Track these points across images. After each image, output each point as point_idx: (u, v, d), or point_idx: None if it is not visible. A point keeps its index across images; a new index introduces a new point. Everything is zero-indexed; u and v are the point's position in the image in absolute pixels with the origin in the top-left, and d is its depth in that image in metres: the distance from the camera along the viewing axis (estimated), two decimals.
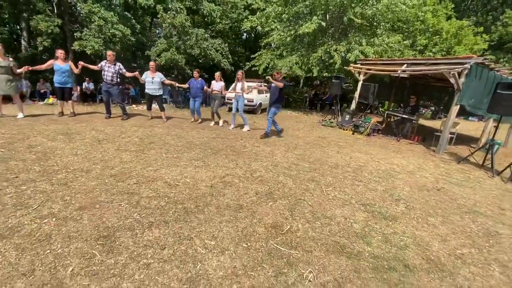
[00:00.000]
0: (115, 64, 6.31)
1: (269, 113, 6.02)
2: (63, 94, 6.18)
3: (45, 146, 3.78)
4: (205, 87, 7.10)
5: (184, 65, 11.53)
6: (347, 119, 9.08)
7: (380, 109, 15.37)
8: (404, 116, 7.99)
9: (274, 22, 12.08)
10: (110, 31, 9.98)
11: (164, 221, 2.30)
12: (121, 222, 2.22)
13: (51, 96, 10.04)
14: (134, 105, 10.36)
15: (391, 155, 5.58)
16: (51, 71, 6.01)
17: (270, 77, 5.86)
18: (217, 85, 6.80)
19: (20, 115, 5.60)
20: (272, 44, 13.29)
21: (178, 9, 10.98)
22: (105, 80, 6.32)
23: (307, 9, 11.06)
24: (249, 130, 6.67)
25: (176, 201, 2.67)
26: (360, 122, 8.19)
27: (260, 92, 10.87)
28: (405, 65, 7.19)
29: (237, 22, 13.20)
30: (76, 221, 2.16)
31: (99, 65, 6.32)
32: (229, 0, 12.07)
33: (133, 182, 2.95)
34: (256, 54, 13.03)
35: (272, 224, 2.44)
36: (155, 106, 7.41)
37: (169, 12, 10.84)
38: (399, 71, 7.14)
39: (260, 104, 10.77)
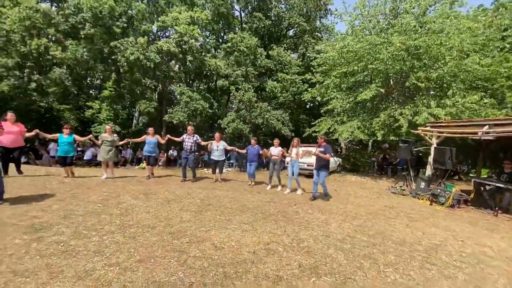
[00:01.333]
0: (193, 136, 7.67)
1: (319, 177, 6.14)
2: (149, 160, 7.70)
3: (128, 204, 4.63)
4: (261, 151, 7.77)
5: (249, 133, 12.90)
6: (422, 186, 7.99)
7: (462, 175, 12.98)
8: (499, 185, 6.57)
9: (334, 92, 12.78)
10: (194, 106, 12.40)
11: (203, 283, 2.42)
12: (167, 278, 2.45)
13: (144, 161, 12.40)
14: (205, 169, 11.71)
15: (482, 234, 4.52)
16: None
17: (313, 151, 6.23)
18: (275, 150, 7.33)
19: (104, 177, 7.13)
20: (334, 110, 13.81)
21: (247, 88, 13.02)
22: (185, 149, 7.68)
23: (367, 77, 11.48)
24: (302, 194, 6.70)
25: (218, 264, 2.79)
26: (439, 190, 7.08)
27: None
28: (487, 126, 6.31)
29: (298, 94, 14.58)
30: (133, 272, 2.49)
31: (181, 138, 7.79)
32: (289, 78, 13.69)
33: (186, 241, 3.25)
34: (317, 121, 13.59)
35: None
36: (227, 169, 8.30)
37: (239, 91, 12.92)
38: (479, 133, 6.29)
39: None
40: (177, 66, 15.31)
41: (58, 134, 6.62)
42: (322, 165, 6.18)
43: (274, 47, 14.73)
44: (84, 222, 3.59)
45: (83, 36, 11.76)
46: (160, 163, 13.58)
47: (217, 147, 7.75)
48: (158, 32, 14.69)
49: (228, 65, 13.51)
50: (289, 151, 7.16)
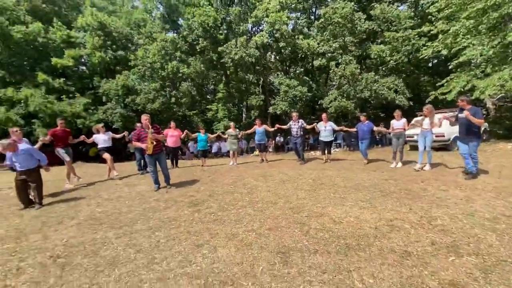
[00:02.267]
0: (298, 121, 8.01)
1: (469, 148, 4.94)
2: (260, 147, 8.79)
3: (252, 184, 5.44)
4: (375, 128, 7.12)
5: (354, 109, 11.97)
6: None
7: None
8: None
9: (467, 39, 9.90)
10: (292, 94, 12.68)
11: (327, 251, 2.64)
12: (294, 244, 2.82)
13: (256, 149, 13.90)
14: (312, 152, 11.89)
15: None
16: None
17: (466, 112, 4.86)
18: (398, 123, 6.58)
19: (231, 163, 8.56)
20: (471, 62, 10.72)
21: (348, 61, 12.02)
22: (293, 134, 8.15)
23: None
24: (431, 169, 5.72)
25: (339, 236, 2.93)
26: None
27: (452, 124, 8.83)
28: None
29: (413, 53, 12.11)
30: (266, 238, 3.01)
31: (288, 125, 8.32)
32: (400, 35, 11.55)
33: (305, 215, 3.57)
34: (444, 81, 10.98)
35: (451, 281, 2.06)
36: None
37: (339, 66, 12.13)
38: None
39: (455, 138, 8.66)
40: (273, 56, 15.95)
41: (197, 134, 8.61)
42: (472, 132, 4.90)
43: (375, 5, 12.80)
44: (224, 199, 4.54)
45: (198, 50, 14.24)
46: (270, 149, 14.84)
47: (325, 128, 7.72)
48: (253, 29, 15.70)
49: (324, 41, 12.86)
50: (413, 122, 6.25)
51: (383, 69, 13.19)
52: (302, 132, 8.03)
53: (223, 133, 10.00)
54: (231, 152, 8.93)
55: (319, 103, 13.70)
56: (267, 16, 12.22)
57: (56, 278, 2.46)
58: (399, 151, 6.65)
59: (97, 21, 14.99)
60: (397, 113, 6.72)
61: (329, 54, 13.06)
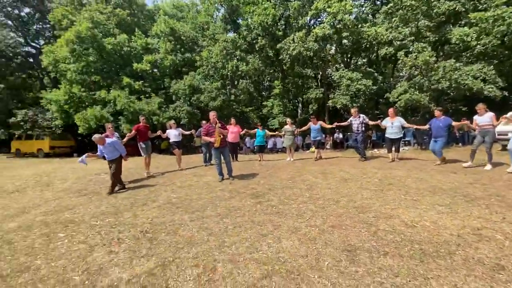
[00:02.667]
0: (359, 117, 7.58)
1: None
2: (316, 144, 8.68)
3: (311, 181, 5.40)
4: (457, 123, 6.23)
5: (429, 102, 10.56)
6: None
7: None
8: None
9: None
10: (355, 87, 11.90)
11: (399, 255, 2.48)
12: (361, 244, 2.73)
13: (313, 146, 13.58)
14: (375, 149, 11.03)
15: None
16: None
17: None
18: (484, 118, 5.64)
19: (288, 159, 8.57)
20: None
21: (420, 48, 10.66)
22: (353, 131, 7.79)
23: None
24: None
25: (412, 240, 2.71)
26: None
27: None
28: None
29: (509, 34, 9.93)
30: (330, 234, 2.99)
31: (348, 120, 7.93)
32: (490, 15, 9.61)
33: (372, 216, 3.39)
34: None
35: None
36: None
37: (410, 55, 10.86)
38: None
39: None
40: (333, 48, 15.21)
41: (256, 130, 8.92)
42: None
43: None
44: (284, 194, 4.63)
45: (257, 48, 14.60)
46: (327, 146, 14.32)
47: (392, 124, 7.07)
48: (311, 21, 15.25)
49: (392, 28, 11.64)
50: (508, 117, 5.28)
51: (467, 55, 11.25)
52: (363, 128, 7.61)
53: (277, 129, 10.09)
54: (287, 148, 8.99)
55: (385, 96, 12.51)
56: (329, 7, 11.69)
57: (147, 250, 2.93)
58: (486, 152, 5.67)
59: (169, 28, 16.72)
60: (479, 107, 5.73)
61: (398, 42, 11.77)
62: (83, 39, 15.12)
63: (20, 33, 20.93)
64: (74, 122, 15.43)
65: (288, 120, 9.10)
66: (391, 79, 16.39)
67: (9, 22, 20.35)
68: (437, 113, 6.52)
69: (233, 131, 8.51)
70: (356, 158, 8.13)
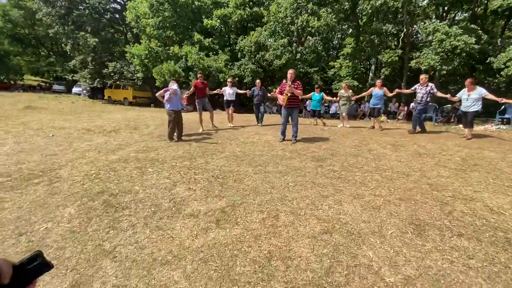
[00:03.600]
0: (427, 85, 6.73)
1: None
2: (373, 112, 8.02)
3: (379, 151, 5.08)
4: None
5: None
6: None
7: None
8: None
9: None
10: (451, 44, 9.83)
11: (477, 238, 2.28)
12: (431, 221, 2.58)
13: (382, 114, 12.35)
14: (461, 125, 9.44)
15: None
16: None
17: None
18: None
19: (340, 125, 8.42)
20: None
21: None
22: (416, 100, 7.15)
23: None
24: None
25: (496, 227, 2.43)
26: None
27: None
28: None
29: None
30: (396, 206, 2.88)
31: (413, 88, 7.12)
32: None
33: (448, 195, 3.10)
34: None
35: None
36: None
37: None
38: None
39: None
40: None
41: (312, 93, 8.52)
42: None
43: None
44: (347, 161, 4.52)
45: (329, 0, 13.09)
46: (399, 117, 12.87)
47: (468, 96, 6.05)
48: None
49: None
50: None
51: None
52: (428, 99, 6.82)
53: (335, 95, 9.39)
54: (341, 115, 8.50)
55: (487, 61, 10.11)
56: None
57: (218, 191, 3.35)
58: None
59: None
60: None
61: None
62: None
63: None
64: (152, 75, 17.19)
65: (344, 83, 8.42)
66: (498, 40, 13.00)
67: None
68: None
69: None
70: (433, 134, 7.16)
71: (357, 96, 8.85)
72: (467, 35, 9.52)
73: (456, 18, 15.41)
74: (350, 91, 8.63)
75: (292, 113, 5.75)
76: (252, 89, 8.33)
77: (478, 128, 8.56)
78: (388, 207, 2.86)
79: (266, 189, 3.41)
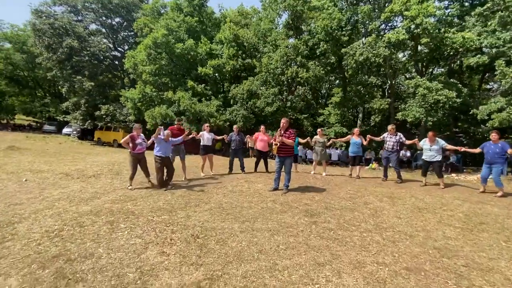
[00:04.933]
0: (396, 135, 7.02)
1: None
2: (355, 161, 7.85)
3: (376, 205, 4.73)
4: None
5: None
6: None
7: None
8: None
9: None
10: (434, 98, 10.32)
11: None
12: None
13: (373, 162, 12.31)
14: (453, 174, 9.38)
15: None
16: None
17: None
18: None
19: (312, 172, 8.21)
20: None
21: None
22: (386, 148, 7.23)
23: None
24: None
25: None
26: None
27: None
28: None
29: None
30: (405, 279, 2.44)
31: (381, 136, 7.36)
32: None
33: (461, 264, 2.70)
34: None
35: None
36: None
37: None
38: None
39: None
40: (406, 55, 13.66)
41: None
42: None
43: None
44: (343, 216, 4.13)
45: (318, 54, 14.08)
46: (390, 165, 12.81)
47: (430, 147, 6.40)
48: (382, 26, 14.00)
49: (487, 32, 9.77)
50: None
51: None
52: (398, 148, 7.07)
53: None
54: (314, 161, 8.35)
55: (471, 112, 10.55)
56: (407, 10, 10.46)
57: (196, 257, 2.85)
58: None
59: (233, 34, 17.44)
60: None
61: (494, 50, 9.82)
62: (158, 44, 16.86)
63: (110, 39, 24.59)
64: (144, 118, 17.24)
65: (320, 130, 8.44)
66: (477, 92, 13.89)
67: (103, 29, 24.07)
68: (493, 136, 5.77)
69: (262, 139, 7.74)
70: (430, 186, 6.94)
71: (333, 141, 8.92)
72: (447, 90, 10.10)
73: (434, 72, 16.69)
74: (325, 137, 8.66)
75: (285, 161, 5.51)
76: (230, 134, 8.01)
77: (471, 177, 8.47)
78: (395, 281, 2.41)
79: (253, 253, 2.93)
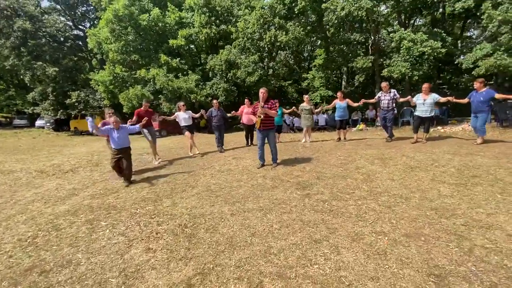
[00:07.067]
0: (389, 92, 6.80)
1: None
2: (342, 124, 7.78)
3: (367, 169, 4.62)
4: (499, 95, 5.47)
5: None
6: None
7: None
8: None
9: None
10: (419, 50, 10.00)
11: None
12: (453, 267, 2.04)
13: (361, 123, 12.26)
14: (439, 127, 9.45)
15: None
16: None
17: None
18: None
19: (303, 140, 8.10)
20: None
21: None
22: (382, 107, 7.01)
23: None
24: None
25: None
26: None
27: None
28: None
29: None
30: (405, 248, 2.33)
31: (376, 97, 7.18)
32: None
33: (460, 223, 2.62)
34: None
35: None
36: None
37: (500, 8, 8.55)
38: None
39: None
40: (389, 7, 12.96)
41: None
42: None
43: None
44: (336, 185, 3.99)
45: (296, 12, 13.12)
46: (378, 123, 12.83)
47: (424, 101, 6.29)
48: None
49: None
50: None
51: None
52: (394, 105, 6.87)
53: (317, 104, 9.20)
54: (304, 129, 8.15)
55: (455, 62, 10.36)
56: None
57: (184, 250, 2.64)
58: None
59: None
60: None
61: None
62: (120, 18, 15.22)
63: (67, 17, 22.09)
64: (119, 102, 16.18)
65: (306, 96, 8.21)
66: (459, 41, 13.62)
67: (57, 6, 21.48)
68: (476, 85, 5.72)
69: (247, 112, 7.34)
70: (419, 143, 6.92)
71: (319, 110, 8.71)
72: (432, 40, 9.74)
73: (416, 24, 16.15)
74: (311, 103, 8.44)
75: (268, 135, 5.17)
76: (210, 110, 7.57)
77: (456, 128, 8.55)
78: (396, 251, 2.30)
79: (246, 238, 2.75)
